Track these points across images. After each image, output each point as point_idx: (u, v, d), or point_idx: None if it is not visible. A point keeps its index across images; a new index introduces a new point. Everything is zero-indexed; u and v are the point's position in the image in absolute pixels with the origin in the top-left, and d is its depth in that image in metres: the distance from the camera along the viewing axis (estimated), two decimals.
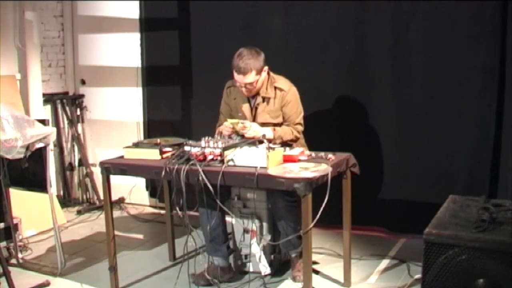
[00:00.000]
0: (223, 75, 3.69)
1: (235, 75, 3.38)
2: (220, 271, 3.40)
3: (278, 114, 3.46)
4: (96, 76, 5.43)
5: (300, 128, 3.51)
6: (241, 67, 3.32)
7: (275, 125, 3.46)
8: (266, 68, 3.43)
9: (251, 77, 3.35)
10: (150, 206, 5.28)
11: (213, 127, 3.61)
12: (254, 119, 3.49)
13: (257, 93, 3.47)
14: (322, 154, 3.17)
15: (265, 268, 3.48)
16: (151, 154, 3.22)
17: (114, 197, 3.93)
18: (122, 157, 3.34)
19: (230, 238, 3.54)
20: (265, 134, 3.24)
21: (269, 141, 3.22)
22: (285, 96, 3.45)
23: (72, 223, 4.91)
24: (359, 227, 4.06)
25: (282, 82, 3.49)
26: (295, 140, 3.50)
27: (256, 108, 3.49)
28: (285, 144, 3.39)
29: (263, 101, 3.47)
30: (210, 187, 2.87)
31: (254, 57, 3.35)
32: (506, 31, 3.60)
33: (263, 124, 3.45)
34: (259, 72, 3.37)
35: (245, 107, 3.51)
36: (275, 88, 3.46)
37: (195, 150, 3.00)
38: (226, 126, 3.35)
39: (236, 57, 3.37)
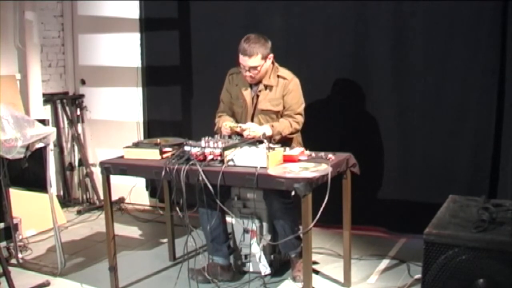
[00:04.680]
0: (223, 75, 3.69)
1: (241, 57, 3.39)
2: (220, 270, 3.40)
3: (279, 102, 3.47)
4: (96, 76, 5.43)
5: (301, 118, 3.50)
6: (247, 50, 3.34)
7: (275, 113, 3.47)
8: (271, 56, 3.44)
9: (256, 61, 3.35)
10: (150, 206, 5.28)
11: (212, 127, 3.61)
12: (255, 107, 3.50)
13: (260, 81, 3.47)
14: (322, 154, 3.17)
15: (265, 268, 3.48)
16: (151, 154, 3.22)
17: (114, 197, 3.93)
18: (122, 157, 3.34)
19: (231, 238, 3.54)
20: (265, 132, 3.25)
21: (269, 138, 3.23)
22: (287, 85, 3.46)
23: (72, 223, 4.91)
24: (359, 227, 4.06)
25: (285, 71, 3.51)
26: (295, 132, 3.50)
27: (258, 96, 3.49)
28: (285, 141, 3.40)
29: (266, 88, 3.47)
30: (210, 187, 2.87)
31: (261, 43, 3.38)
32: (506, 31, 3.60)
33: (264, 111, 3.46)
34: (264, 57, 3.38)
35: (247, 94, 3.51)
36: (278, 76, 3.47)
37: (195, 150, 3.00)
38: (226, 128, 3.36)
39: (243, 41, 3.39)
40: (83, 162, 5.46)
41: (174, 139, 3.50)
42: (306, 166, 2.89)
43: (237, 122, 3.53)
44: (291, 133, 3.47)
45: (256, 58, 3.35)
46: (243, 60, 3.38)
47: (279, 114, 3.48)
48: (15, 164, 3.46)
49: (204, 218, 3.37)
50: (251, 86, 3.51)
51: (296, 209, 3.11)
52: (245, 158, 2.93)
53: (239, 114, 3.56)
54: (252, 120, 3.49)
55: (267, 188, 3.12)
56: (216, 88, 3.77)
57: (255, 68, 3.38)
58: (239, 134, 3.32)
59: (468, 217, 2.44)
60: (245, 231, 3.45)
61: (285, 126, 3.42)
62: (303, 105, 3.52)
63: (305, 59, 4.27)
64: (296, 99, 3.48)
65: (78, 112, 5.51)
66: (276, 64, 3.52)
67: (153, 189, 5.18)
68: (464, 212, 2.54)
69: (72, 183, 5.55)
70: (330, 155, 3.13)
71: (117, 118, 5.36)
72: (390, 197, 4.16)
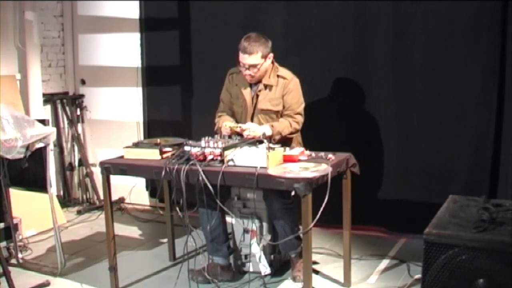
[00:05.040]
0: (223, 75, 3.69)
1: (240, 55, 3.39)
2: (220, 270, 3.40)
3: (279, 102, 3.46)
4: (96, 76, 5.43)
5: (300, 118, 3.50)
6: (247, 48, 3.35)
7: (275, 112, 3.47)
8: (271, 55, 3.45)
9: (256, 59, 3.35)
10: (150, 206, 5.28)
11: (212, 127, 3.61)
12: (254, 106, 3.50)
13: (259, 81, 3.48)
14: (322, 154, 3.17)
15: (265, 268, 3.48)
16: (151, 154, 3.23)
17: (114, 197, 3.93)
18: (122, 157, 3.34)
19: (231, 238, 3.54)
20: (265, 132, 3.25)
21: (269, 138, 3.23)
22: (287, 85, 3.46)
23: (72, 223, 4.91)
24: (359, 227, 4.06)
25: (285, 71, 3.52)
26: (295, 132, 3.49)
27: (257, 95, 3.49)
28: (285, 141, 3.40)
29: (265, 88, 3.48)
30: (210, 187, 2.87)
31: (261, 41, 3.39)
32: (506, 31, 3.60)
33: (263, 111, 3.46)
34: (264, 56, 3.38)
35: (246, 94, 3.50)
36: (278, 76, 3.48)
37: (195, 150, 3.00)
38: (225, 128, 3.36)
39: (243, 39, 3.40)
40: (83, 162, 5.46)
41: (174, 139, 3.50)
42: (306, 166, 2.89)
43: (237, 122, 3.53)
44: (291, 133, 3.47)
45: (256, 56, 3.36)
46: (243, 58, 3.38)
47: (279, 114, 3.48)
48: (15, 164, 3.46)
49: (204, 218, 3.37)
50: (251, 85, 3.52)
51: (296, 209, 3.11)
52: (245, 158, 2.93)
53: (239, 114, 3.56)
54: (252, 120, 3.49)
55: (267, 188, 3.12)
56: (216, 88, 3.77)
57: (254, 66, 3.38)
58: (239, 134, 3.32)
59: (468, 217, 2.44)
60: (245, 231, 3.45)
61: (285, 126, 3.42)
62: (303, 105, 3.52)
63: (305, 59, 4.27)
64: (296, 99, 3.48)
65: (78, 112, 5.51)
66: (276, 64, 3.52)
67: (153, 189, 5.18)
68: (464, 212, 2.54)
69: (72, 183, 5.55)
70: (330, 155, 3.13)
71: (117, 118, 5.36)
72: (390, 197, 4.16)
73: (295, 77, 3.50)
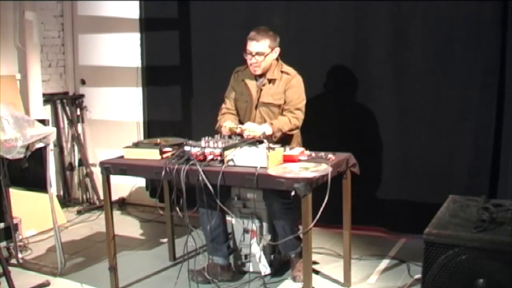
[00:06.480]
0: (223, 75, 3.70)
1: (248, 43, 3.42)
2: (220, 270, 3.40)
3: (281, 96, 3.48)
4: (96, 76, 5.43)
5: (300, 114, 3.49)
6: (256, 35, 3.41)
7: (277, 106, 3.49)
8: (278, 49, 3.47)
9: (262, 46, 3.39)
10: (150, 206, 5.27)
11: (212, 127, 3.61)
12: (258, 100, 3.51)
13: (264, 75, 3.49)
14: (322, 154, 3.17)
15: (265, 268, 3.48)
16: (151, 154, 3.23)
17: (114, 197, 3.93)
18: (122, 157, 3.34)
19: (231, 238, 3.54)
20: (265, 131, 3.25)
21: (270, 136, 3.23)
22: (290, 80, 3.48)
23: (72, 223, 4.91)
24: (359, 227, 4.06)
25: (289, 68, 3.55)
26: (295, 128, 3.49)
27: (261, 90, 3.50)
28: (285, 139, 3.40)
29: (269, 82, 3.50)
30: (210, 187, 2.87)
31: (270, 34, 3.44)
32: (506, 31, 3.60)
33: (265, 104, 3.48)
34: (271, 47, 3.42)
35: (252, 87, 3.52)
36: (282, 72, 3.50)
37: (195, 150, 3.00)
38: (225, 128, 3.37)
39: (253, 30, 3.45)
40: (83, 162, 5.46)
41: (174, 139, 3.50)
42: (306, 166, 2.89)
43: (240, 118, 3.54)
44: (291, 130, 3.46)
45: (263, 44, 3.39)
46: (250, 45, 3.41)
47: (280, 108, 3.49)
48: (15, 164, 3.46)
49: (204, 218, 3.37)
50: (256, 80, 3.53)
51: (296, 210, 3.11)
52: (245, 158, 2.93)
53: (243, 109, 3.57)
54: (255, 113, 3.49)
55: (267, 188, 3.12)
56: (216, 88, 3.77)
57: (261, 54, 3.39)
58: (239, 135, 3.32)
59: (468, 217, 2.44)
60: (245, 231, 3.45)
61: (284, 122, 3.42)
62: (304, 102, 3.51)
63: (305, 59, 4.26)
64: (297, 95, 3.48)
65: (78, 112, 5.51)
66: (280, 61, 3.54)
67: (153, 189, 5.17)
68: (464, 212, 2.54)
69: (72, 183, 5.55)
70: (330, 155, 3.13)
71: (117, 118, 5.36)
72: (390, 197, 4.16)
73: (298, 75, 3.53)
